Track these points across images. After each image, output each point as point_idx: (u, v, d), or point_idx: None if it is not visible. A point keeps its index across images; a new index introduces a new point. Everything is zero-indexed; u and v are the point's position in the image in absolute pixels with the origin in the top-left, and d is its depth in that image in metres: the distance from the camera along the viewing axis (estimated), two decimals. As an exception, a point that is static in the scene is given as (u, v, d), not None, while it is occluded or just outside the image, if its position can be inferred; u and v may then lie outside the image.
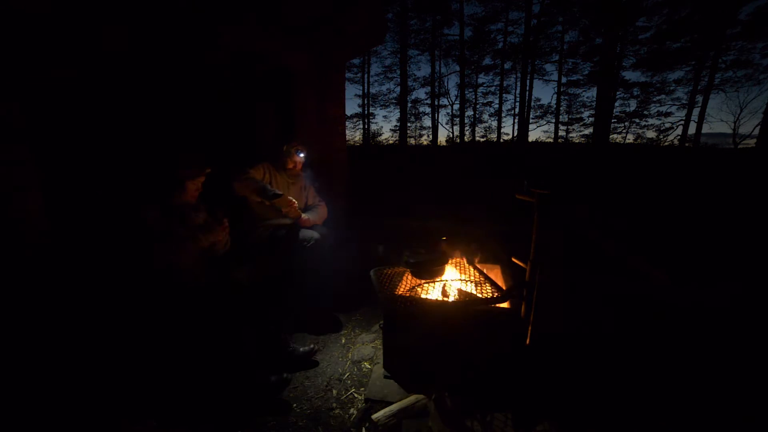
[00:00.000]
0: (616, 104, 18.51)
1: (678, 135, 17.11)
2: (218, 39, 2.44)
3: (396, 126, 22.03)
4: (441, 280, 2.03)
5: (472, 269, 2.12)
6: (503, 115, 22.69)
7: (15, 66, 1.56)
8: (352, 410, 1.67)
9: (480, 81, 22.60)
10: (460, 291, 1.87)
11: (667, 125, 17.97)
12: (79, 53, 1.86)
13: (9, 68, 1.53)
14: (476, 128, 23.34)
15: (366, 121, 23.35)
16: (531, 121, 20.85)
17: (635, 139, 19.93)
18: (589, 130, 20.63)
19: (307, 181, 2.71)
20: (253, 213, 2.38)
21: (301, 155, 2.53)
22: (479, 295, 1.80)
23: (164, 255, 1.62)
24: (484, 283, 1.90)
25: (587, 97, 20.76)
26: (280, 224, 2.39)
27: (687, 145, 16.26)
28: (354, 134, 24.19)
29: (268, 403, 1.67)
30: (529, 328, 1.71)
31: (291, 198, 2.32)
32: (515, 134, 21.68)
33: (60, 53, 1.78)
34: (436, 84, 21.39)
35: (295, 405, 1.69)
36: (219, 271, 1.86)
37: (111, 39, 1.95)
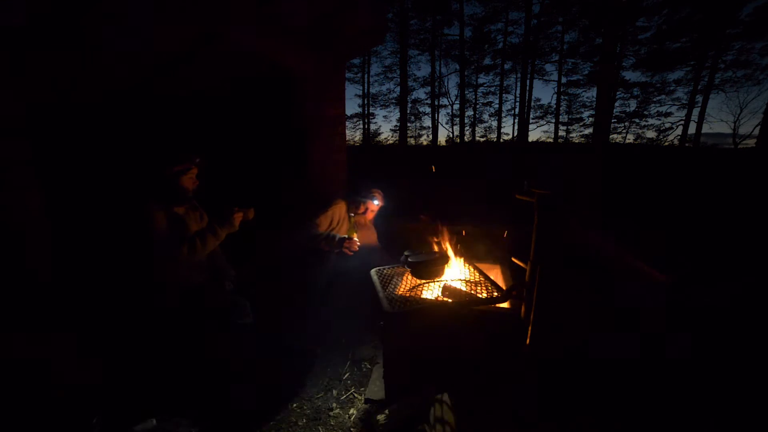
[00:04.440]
0: (616, 104, 18.54)
1: (678, 135, 17.15)
2: (217, 39, 2.43)
3: (396, 126, 22.06)
4: (441, 280, 2.03)
5: (472, 269, 2.12)
6: (503, 115, 22.73)
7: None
8: (352, 410, 1.67)
9: (480, 81, 22.63)
10: (460, 291, 1.87)
11: (667, 125, 18.01)
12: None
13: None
14: (476, 128, 23.37)
15: (366, 121, 23.37)
16: (531, 121, 20.87)
17: (635, 139, 19.96)
18: (589, 130, 20.67)
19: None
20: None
21: (376, 203, 2.50)
22: (479, 295, 1.80)
23: (164, 257, 1.62)
24: (484, 283, 1.90)
25: (587, 97, 20.80)
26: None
27: (687, 145, 16.28)
28: (354, 134, 24.23)
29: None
30: (529, 328, 1.71)
31: (355, 239, 2.34)
32: (515, 134, 21.70)
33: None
34: (436, 84, 21.40)
35: (295, 405, 1.69)
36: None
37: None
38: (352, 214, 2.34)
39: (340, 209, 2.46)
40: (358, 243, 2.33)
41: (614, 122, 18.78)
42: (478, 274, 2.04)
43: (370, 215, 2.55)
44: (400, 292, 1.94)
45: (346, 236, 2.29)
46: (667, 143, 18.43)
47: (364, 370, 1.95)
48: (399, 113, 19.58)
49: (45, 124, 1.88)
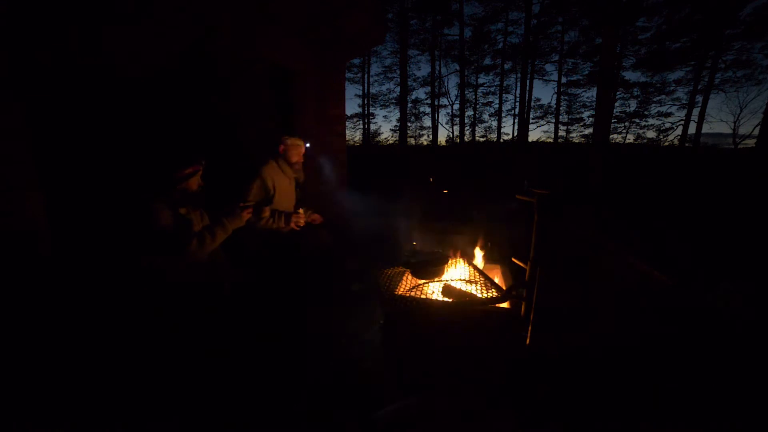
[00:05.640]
0: (616, 104, 18.56)
1: (678, 135, 17.15)
2: (218, 40, 2.44)
3: (396, 126, 22.06)
4: (441, 280, 2.03)
5: (472, 269, 2.12)
6: (503, 115, 22.71)
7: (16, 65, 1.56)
8: (352, 410, 1.66)
9: (480, 81, 22.61)
10: (460, 291, 1.87)
11: (667, 125, 18.01)
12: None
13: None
14: (476, 128, 23.35)
15: (366, 121, 23.37)
16: (531, 121, 20.87)
17: (635, 139, 19.97)
18: (589, 130, 20.67)
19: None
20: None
21: (289, 141, 2.46)
22: (479, 295, 1.80)
23: (165, 256, 1.62)
24: (484, 283, 1.91)
25: (587, 97, 20.79)
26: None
27: (687, 145, 16.29)
28: (354, 134, 24.22)
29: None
30: (529, 328, 1.71)
31: (300, 213, 2.30)
32: (515, 134, 21.69)
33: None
34: (436, 84, 21.39)
35: (295, 404, 1.69)
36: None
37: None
38: (299, 188, 2.31)
39: (271, 169, 2.38)
40: (303, 217, 2.30)
41: (614, 122, 18.79)
42: (478, 274, 2.05)
43: (295, 157, 2.48)
44: (400, 292, 1.94)
45: (292, 212, 2.23)
46: (667, 143, 18.44)
47: (364, 369, 1.95)
48: (399, 113, 19.58)
49: (51, 125, 1.89)
